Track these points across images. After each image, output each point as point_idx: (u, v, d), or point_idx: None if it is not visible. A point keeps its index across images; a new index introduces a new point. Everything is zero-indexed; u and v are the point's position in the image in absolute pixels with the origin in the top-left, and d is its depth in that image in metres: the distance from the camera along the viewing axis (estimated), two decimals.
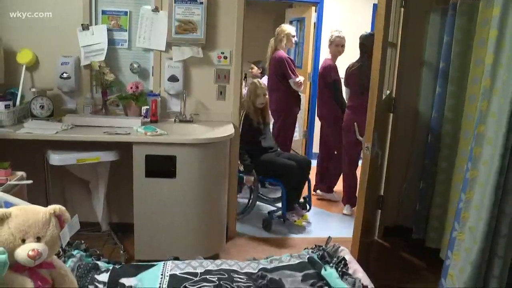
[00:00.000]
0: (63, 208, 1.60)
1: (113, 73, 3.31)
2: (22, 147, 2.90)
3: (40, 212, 1.55)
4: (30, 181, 2.53)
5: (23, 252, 1.43)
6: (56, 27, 3.29)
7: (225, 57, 3.42)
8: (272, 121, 4.65)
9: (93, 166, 3.08)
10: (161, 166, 2.93)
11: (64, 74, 3.28)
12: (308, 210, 4.16)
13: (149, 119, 3.31)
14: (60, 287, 1.58)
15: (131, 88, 3.30)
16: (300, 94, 4.83)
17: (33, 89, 3.24)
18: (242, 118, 3.92)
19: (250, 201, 4.10)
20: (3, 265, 1.32)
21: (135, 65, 3.39)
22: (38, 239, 1.49)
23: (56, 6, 3.27)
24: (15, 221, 1.47)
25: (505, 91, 2.21)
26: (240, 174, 3.90)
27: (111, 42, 3.35)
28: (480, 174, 2.34)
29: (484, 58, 2.44)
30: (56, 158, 2.88)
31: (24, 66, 3.23)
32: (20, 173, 2.59)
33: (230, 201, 3.51)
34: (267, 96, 4.13)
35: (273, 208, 4.11)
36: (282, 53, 4.70)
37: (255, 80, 4.18)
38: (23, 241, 1.46)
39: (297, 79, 4.64)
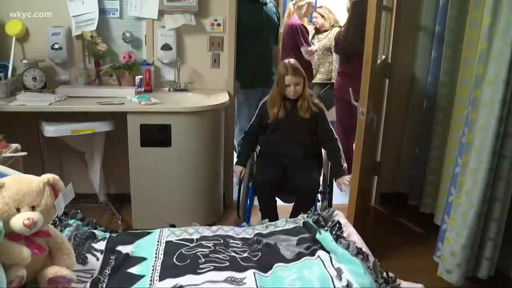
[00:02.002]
0: (57, 177, 1.60)
1: (105, 43, 3.26)
2: (16, 120, 2.88)
3: (34, 181, 1.55)
4: (24, 153, 2.53)
5: (18, 221, 1.44)
6: None
7: (219, 24, 3.36)
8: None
9: (88, 137, 3.07)
10: (156, 135, 2.92)
11: (56, 45, 3.22)
12: None
13: (143, 89, 3.27)
14: (57, 254, 1.60)
15: (124, 57, 3.25)
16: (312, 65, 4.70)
17: (25, 61, 3.19)
18: (260, 106, 3.06)
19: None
20: None
21: (128, 34, 3.33)
22: (33, 208, 1.50)
23: None
24: (9, 191, 1.48)
25: (501, 55, 2.19)
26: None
27: (102, 11, 3.28)
28: (476, 139, 2.34)
29: (480, 20, 2.41)
30: (50, 130, 2.86)
31: (14, 38, 3.18)
32: (14, 146, 2.58)
33: (226, 170, 3.51)
34: (300, 86, 2.87)
35: None
36: (296, 19, 4.51)
37: (286, 61, 2.94)
38: (18, 210, 1.47)
39: (310, 48, 4.49)
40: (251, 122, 3.09)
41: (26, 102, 2.87)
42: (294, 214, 2.74)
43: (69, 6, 3.22)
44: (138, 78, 3.27)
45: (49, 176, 1.58)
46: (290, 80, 2.83)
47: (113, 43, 3.36)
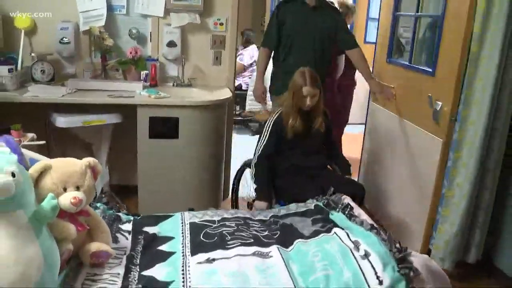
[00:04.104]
0: (96, 160, 1.75)
1: (111, 39, 3.38)
2: (23, 111, 2.94)
3: (77, 163, 1.69)
4: (43, 142, 2.63)
5: (65, 200, 1.58)
6: None
7: (221, 24, 3.52)
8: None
9: (97, 129, 3.18)
10: (164, 127, 3.05)
11: (64, 39, 3.32)
12: None
13: (148, 83, 3.40)
14: (96, 232, 1.74)
15: (131, 53, 3.38)
16: None
17: (33, 54, 3.28)
18: (271, 122, 2.74)
19: None
20: (55, 208, 1.47)
21: (134, 31, 3.45)
22: (77, 188, 1.63)
23: None
24: (57, 172, 1.61)
25: (490, 57, 2.41)
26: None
27: (109, 8, 3.38)
28: (468, 135, 2.56)
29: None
30: (62, 121, 2.97)
31: (22, 31, 3.27)
32: (30, 135, 2.68)
33: (225, 163, 3.66)
34: (317, 98, 2.65)
35: None
36: None
37: (303, 70, 2.67)
38: (65, 190, 1.61)
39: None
40: (261, 145, 2.73)
41: (38, 93, 2.97)
42: None
43: (77, 1, 3.32)
44: (144, 73, 3.40)
45: (90, 159, 1.73)
46: (308, 91, 2.58)
47: (119, 39, 3.47)
